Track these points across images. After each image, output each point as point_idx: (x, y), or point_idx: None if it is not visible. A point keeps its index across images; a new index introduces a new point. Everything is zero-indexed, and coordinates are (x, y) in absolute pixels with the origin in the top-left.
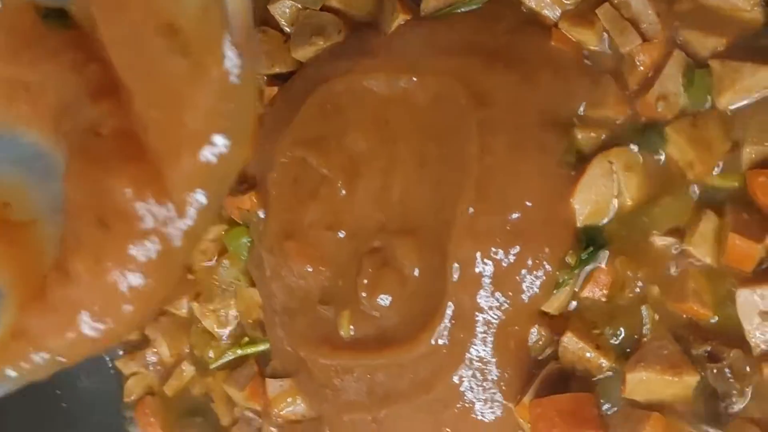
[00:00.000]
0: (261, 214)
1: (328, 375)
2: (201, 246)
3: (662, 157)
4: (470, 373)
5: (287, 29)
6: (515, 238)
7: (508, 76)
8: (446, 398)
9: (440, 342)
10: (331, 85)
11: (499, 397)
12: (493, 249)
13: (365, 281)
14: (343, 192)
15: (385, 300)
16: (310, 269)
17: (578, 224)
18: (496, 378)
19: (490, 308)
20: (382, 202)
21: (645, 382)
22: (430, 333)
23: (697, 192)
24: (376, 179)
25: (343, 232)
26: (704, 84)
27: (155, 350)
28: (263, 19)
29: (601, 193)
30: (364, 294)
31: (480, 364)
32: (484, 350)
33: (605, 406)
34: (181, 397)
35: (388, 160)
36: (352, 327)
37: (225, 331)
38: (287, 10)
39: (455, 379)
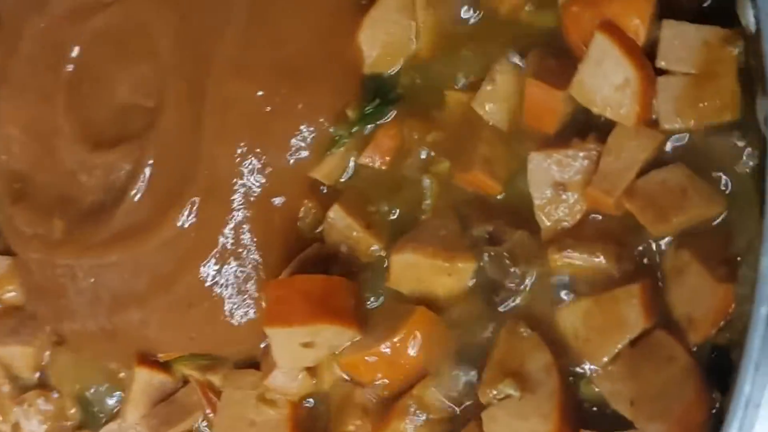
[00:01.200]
0: None
1: (44, 273)
2: None
3: None
4: (223, 260)
5: None
6: (286, 77)
7: None
8: (191, 296)
9: (188, 223)
10: None
11: (255, 290)
12: (260, 91)
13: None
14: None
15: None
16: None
17: (364, 69)
18: (254, 265)
19: (251, 172)
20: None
21: (413, 268)
22: (176, 211)
23: (508, 36)
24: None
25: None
26: None
27: None
28: None
29: (394, 32)
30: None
31: (236, 247)
32: (243, 230)
33: (370, 300)
34: None
35: None
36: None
37: None
38: None
39: (204, 270)
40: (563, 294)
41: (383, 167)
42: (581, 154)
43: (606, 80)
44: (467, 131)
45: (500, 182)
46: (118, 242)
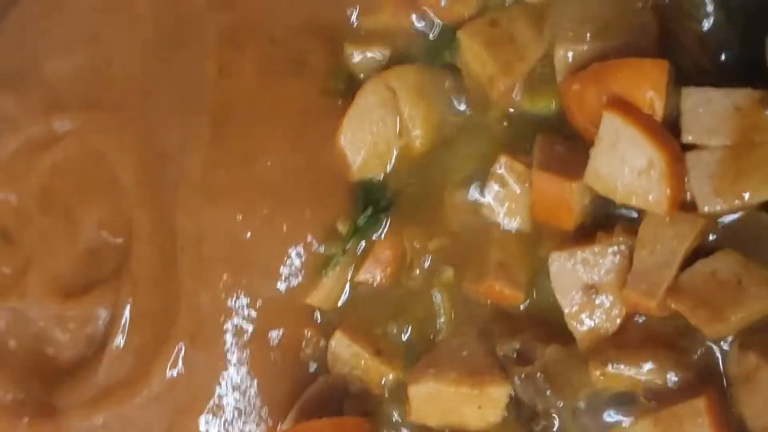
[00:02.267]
0: None
1: None
2: None
3: (459, 78)
4: (222, 411)
5: None
6: (264, 196)
7: None
8: None
9: (176, 373)
10: (29, 2)
11: None
12: (237, 215)
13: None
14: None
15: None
16: None
17: (351, 176)
18: (258, 412)
19: (240, 308)
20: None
21: (436, 399)
22: (163, 360)
23: (505, 123)
24: None
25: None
26: None
27: None
28: None
29: (379, 132)
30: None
31: (235, 394)
32: (239, 373)
33: None
34: None
35: (102, 87)
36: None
37: None
38: None
39: (202, 425)
40: (612, 415)
41: (385, 283)
42: (610, 250)
43: (625, 164)
44: (475, 235)
45: (521, 290)
46: (104, 400)
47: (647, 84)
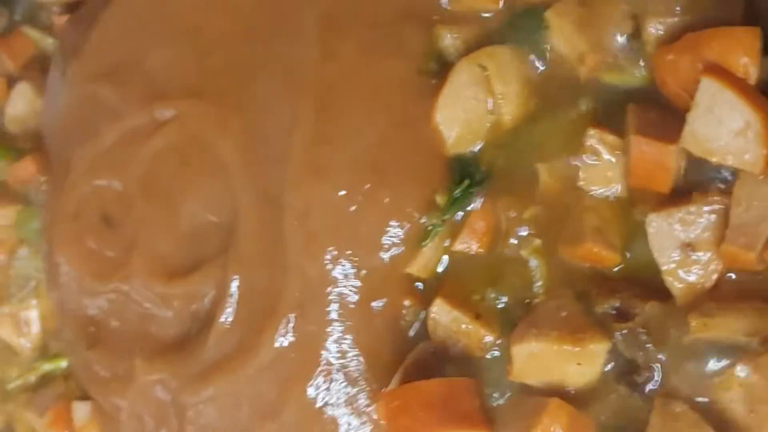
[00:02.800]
0: (43, 182)
1: (132, 425)
2: None
3: (548, 55)
4: (330, 377)
5: None
6: (367, 172)
7: None
8: (301, 422)
9: (286, 342)
10: None
11: (367, 404)
12: (342, 190)
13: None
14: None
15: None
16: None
17: (447, 152)
18: (363, 377)
19: (345, 278)
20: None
21: (538, 357)
22: (272, 331)
23: (594, 97)
24: None
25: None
26: None
27: None
28: None
29: (471, 109)
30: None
31: (341, 360)
32: (345, 340)
33: (493, 396)
34: None
35: (203, 76)
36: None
37: (27, 342)
38: None
39: (311, 391)
40: (713, 363)
41: (481, 251)
42: (706, 209)
43: (722, 127)
44: (569, 202)
45: (617, 252)
46: (214, 373)
47: (741, 50)
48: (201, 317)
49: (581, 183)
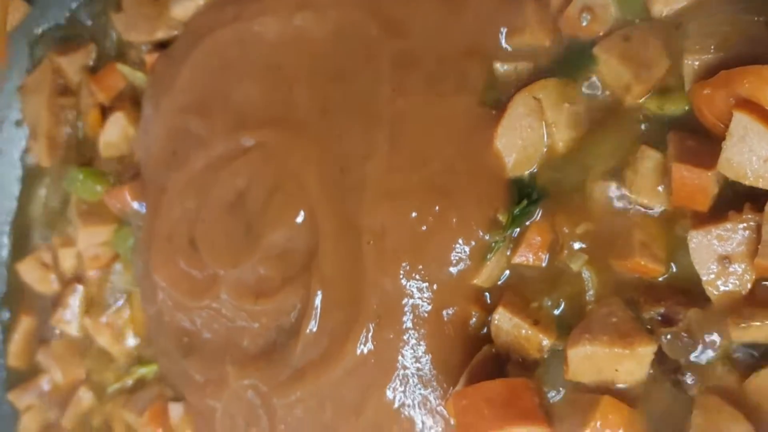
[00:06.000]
0: (138, 208)
1: (224, 423)
2: (90, 251)
3: (595, 86)
4: (406, 380)
5: None
6: (436, 195)
7: (425, 1)
8: (380, 421)
9: (366, 350)
10: (217, 37)
11: (438, 404)
12: (414, 212)
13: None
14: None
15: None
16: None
17: (506, 175)
18: (435, 379)
19: (419, 290)
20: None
21: (591, 359)
22: (354, 340)
23: (637, 123)
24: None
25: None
26: None
27: (49, 377)
28: None
29: (528, 136)
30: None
31: (416, 365)
32: (420, 347)
33: (550, 394)
34: (80, 430)
35: (284, 108)
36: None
37: (123, 349)
38: None
39: (389, 393)
40: (750, 362)
41: (538, 263)
42: (741, 225)
43: (753, 154)
44: (617, 219)
45: (662, 264)
46: (301, 378)
47: None
48: (286, 329)
49: (625, 199)
